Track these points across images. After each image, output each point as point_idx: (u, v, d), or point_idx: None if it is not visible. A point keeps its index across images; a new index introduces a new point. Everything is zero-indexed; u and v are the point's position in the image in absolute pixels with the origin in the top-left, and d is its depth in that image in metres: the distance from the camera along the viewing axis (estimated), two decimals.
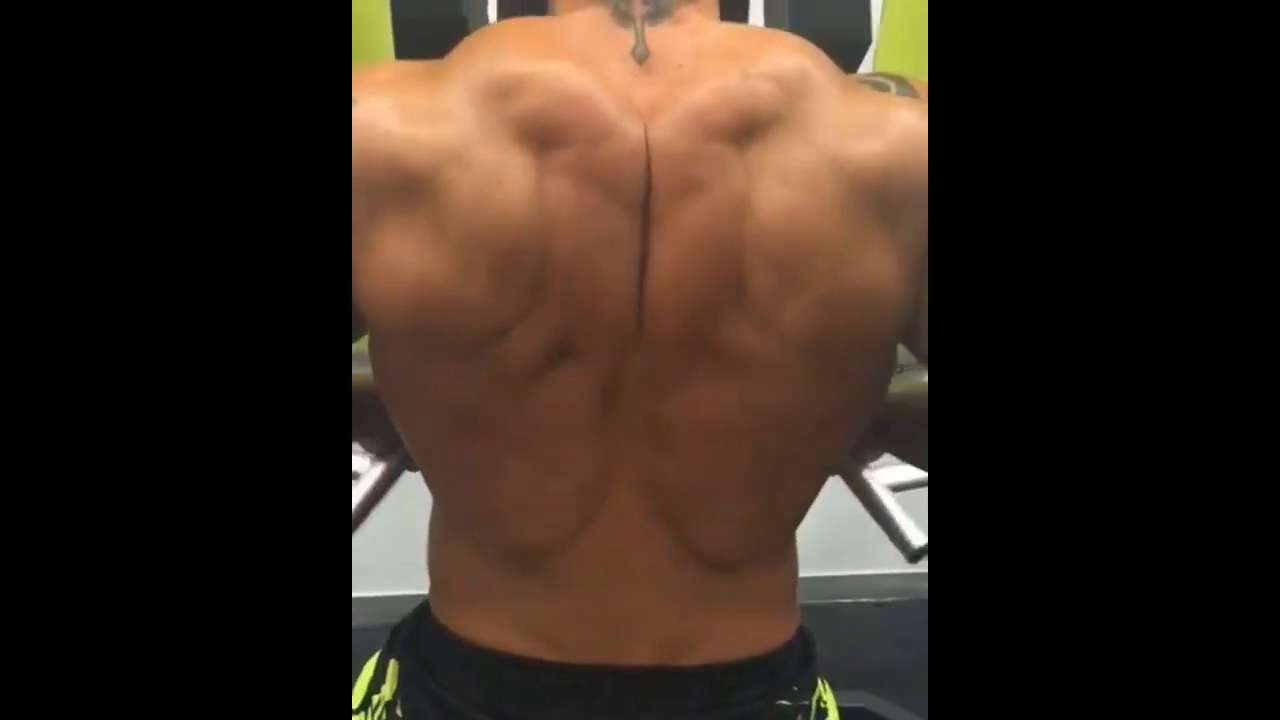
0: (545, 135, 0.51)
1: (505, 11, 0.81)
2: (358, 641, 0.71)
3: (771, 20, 0.82)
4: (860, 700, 1.52)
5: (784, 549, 0.65)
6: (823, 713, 0.68)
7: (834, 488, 1.11)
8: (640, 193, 0.52)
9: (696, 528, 0.59)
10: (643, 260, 0.53)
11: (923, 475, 0.74)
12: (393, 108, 0.52)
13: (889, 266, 0.53)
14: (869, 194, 0.52)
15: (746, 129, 0.51)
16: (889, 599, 2.06)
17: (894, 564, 2.29)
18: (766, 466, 0.59)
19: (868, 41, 0.83)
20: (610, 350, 0.54)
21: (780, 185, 0.51)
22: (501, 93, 0.51)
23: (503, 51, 0.53)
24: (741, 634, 0.62)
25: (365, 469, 0.84)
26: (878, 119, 0.53)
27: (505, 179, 0.51)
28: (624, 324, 0.54)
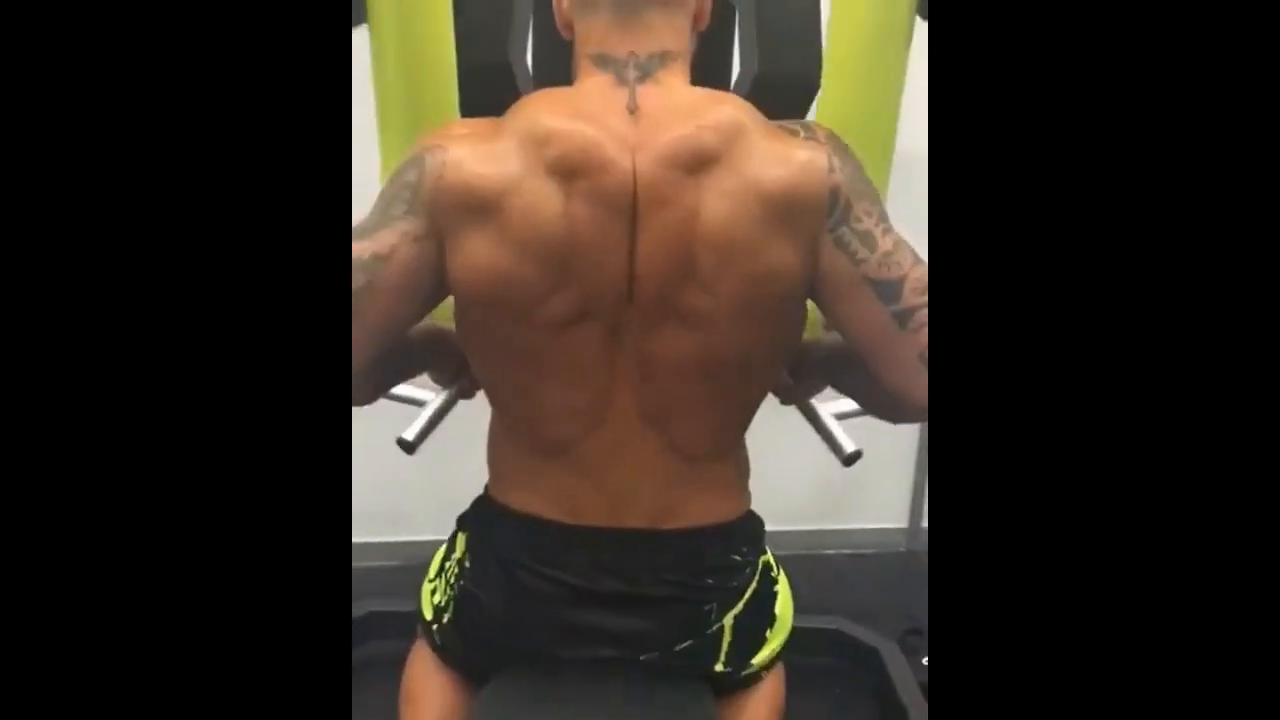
0: (568, 171, 0.74)
1: (539, 59, 1.04)
2: (404, 579, 0.85)
3: (745, 61, 1.02)
4: (835, 624, 1.74)
5: (734, 447, 0.90)
6: (772, 580, 0.91)
7: (815, 457, 1.28)
8: (629, 206, 0.75)
9: (672, 430, 0.83)
10: (631, 252, 0.75)
11: (854, 406, 0.94)
12: (469, 154, 0.76)
13: (789, 254, 0.76)
14: (776, 206, 0.74)
15: (699, 163, 0.74)
16: (865, 551, 2.24)
17: (871, 520, 2.51)
18: (717, 389, 0.82)
19: (818, 83, 1.03)
20: (612, 311, 0.78)
21: (718, 201, 0.74)
22: (539, 143, 0.75)
23: (539, 114, 0.76)
24: (706, 508, 0.87)
25: (431, 397, 1.07)
26: (785, 155, 0.75)
27: (543, 202, 0.74)
28: (620, 294, 0.77)
